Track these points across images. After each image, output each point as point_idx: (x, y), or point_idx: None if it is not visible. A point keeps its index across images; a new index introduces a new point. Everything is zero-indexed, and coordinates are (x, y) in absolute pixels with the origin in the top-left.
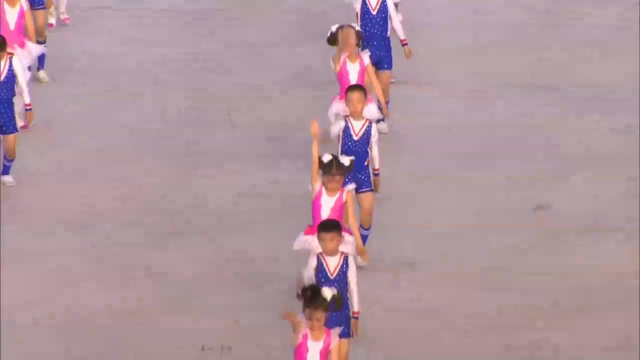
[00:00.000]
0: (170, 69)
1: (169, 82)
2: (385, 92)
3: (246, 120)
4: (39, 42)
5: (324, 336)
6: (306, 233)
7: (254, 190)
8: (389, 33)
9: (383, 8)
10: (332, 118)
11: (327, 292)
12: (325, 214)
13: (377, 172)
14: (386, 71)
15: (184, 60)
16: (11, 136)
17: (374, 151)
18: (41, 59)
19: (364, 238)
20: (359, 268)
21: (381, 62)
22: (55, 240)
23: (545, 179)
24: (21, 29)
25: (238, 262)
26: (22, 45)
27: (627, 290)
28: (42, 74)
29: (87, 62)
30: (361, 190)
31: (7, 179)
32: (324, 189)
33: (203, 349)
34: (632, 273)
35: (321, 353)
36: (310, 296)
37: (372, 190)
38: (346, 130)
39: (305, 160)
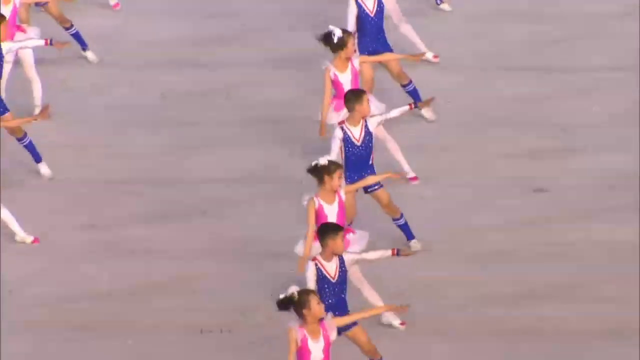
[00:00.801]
0: (170, 52)
1: (168, 66)
2: (400, 74)
3: (243, 104)
4: (66, 29)
5: (322, 332)
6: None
7: (249, 174)
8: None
9: (380, 9)
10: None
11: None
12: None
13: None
14: (388, 54)
15: (183, 45)
16: (7, 116)
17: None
18: (81, 41)
19: (404, 226)
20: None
21: (379, 51)
22: (53, 222)
23: (545, 161)
24: (13, 22)
25: (235, 245)
26: (12, 38)
27: (626, 274)
28: (89, 54)
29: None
30: (371, 189)
31: (44, 169)
32: (322, 202)
33: (202, 332)
34: (631, 257)
35: (324, 351)
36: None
37: (381, 186)
38: (346, 139)
39: (301, 144)
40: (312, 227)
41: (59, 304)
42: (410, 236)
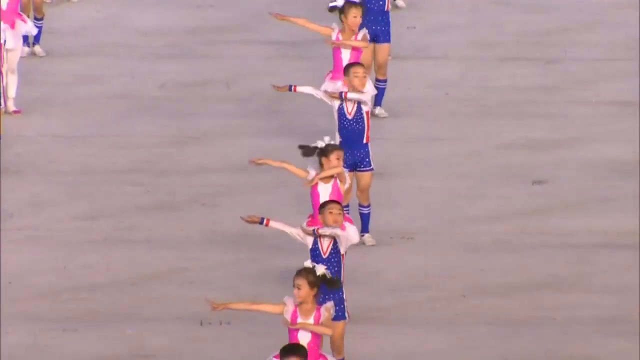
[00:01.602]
0: (169, 42)
1: (167, 57)
2: (382, 67)
3: (242, 94)
4: (36, 19)
5: (314, 312)
6: (309, 224)
7: (246, 165)
8: (387, 7)
9: None
10: (321, 95)
11: (318, 268)
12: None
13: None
14: (384, 44)
15: (183, 35)
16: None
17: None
18: (37, 34)
19: (366, 216)
20: (367, 247)
21: (378, 36)
22: (53, 212)
23: (544, 151)
24: (14, 10)
25: (235, 235)
26: (12, 25)
27: (626, 264)
28: (37, 48)
29: (80, 35)
30: (360, 168)
31: None
32: (319, 180)
33: (202, 324)
34: (630, 246)
35: (312, 331)
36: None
37: (371, 169)
38: (341, 109)
39: (301, 135)
40: (284, 165)
41: (59, 294)
42: (366, 229)
